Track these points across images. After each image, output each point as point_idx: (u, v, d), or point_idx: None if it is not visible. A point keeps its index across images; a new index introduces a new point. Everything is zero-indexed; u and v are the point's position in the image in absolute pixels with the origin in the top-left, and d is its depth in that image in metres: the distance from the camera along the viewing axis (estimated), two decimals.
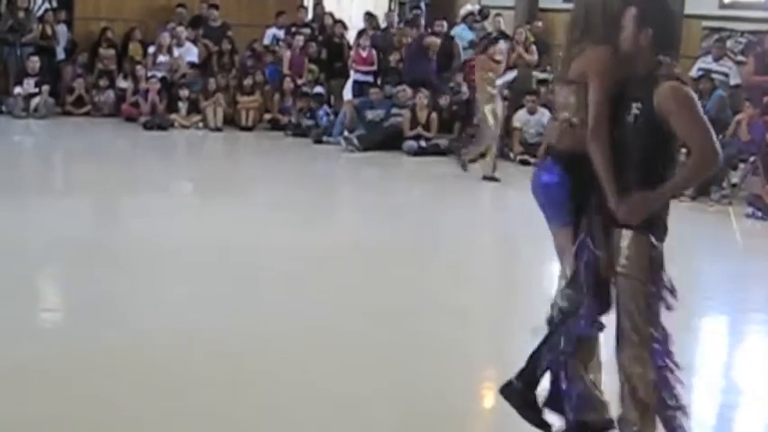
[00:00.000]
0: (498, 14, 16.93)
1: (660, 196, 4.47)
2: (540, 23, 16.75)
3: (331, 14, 17.57)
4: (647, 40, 4.42)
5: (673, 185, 4.49)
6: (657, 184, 4.43)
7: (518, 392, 4.88)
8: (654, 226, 4.56)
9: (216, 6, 17.25)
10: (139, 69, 16.00)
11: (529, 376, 4.84)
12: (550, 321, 4.77)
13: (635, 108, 4.45)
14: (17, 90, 15.44)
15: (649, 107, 4.39)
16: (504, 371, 5.89)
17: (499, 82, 12.99)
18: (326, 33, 16.90)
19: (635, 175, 4.44)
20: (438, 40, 15.56)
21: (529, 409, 4.88)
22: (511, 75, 14.32)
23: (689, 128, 4.39)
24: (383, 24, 17.30)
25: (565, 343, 4.66)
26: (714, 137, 4.40)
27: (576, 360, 4.67)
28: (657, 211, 4.53)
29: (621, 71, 4.55)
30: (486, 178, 12.46)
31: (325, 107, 15.48)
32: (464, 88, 15.34)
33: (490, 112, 12.41)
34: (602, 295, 4.62)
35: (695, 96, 4.47)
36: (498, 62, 12.85)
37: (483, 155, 12.67)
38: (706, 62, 14.10)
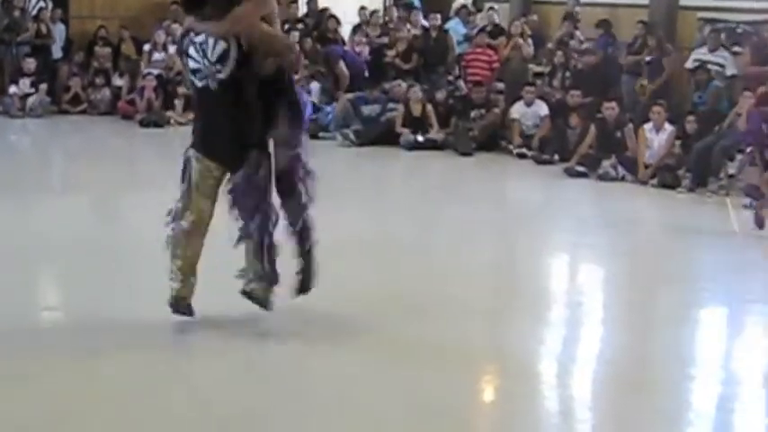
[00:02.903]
0: (492, 8, 16.93)
1: None
2: (535, 17, 16.75)
3: (325, 10, 17.52)
4: None
5: None
6: None
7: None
8: None
9: None
10: (142, 65, 16.04)
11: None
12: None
13: None
14: (12, 89, 15.43)
15: None
16: (506, 362, 5.93)
17: None
18: (321, 29, 16.86)
19: None
20: None
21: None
22: None
23: None
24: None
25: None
26: None
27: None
28: None
29: None
30: None
31: (333, 105, 15.24)
32: (460, 83, 15.36)
33: None
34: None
35: None
36: None
37: None
38: (701, 53, 14.10)
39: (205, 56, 5.84)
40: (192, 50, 5.90)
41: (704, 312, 7.52)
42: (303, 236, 6.22)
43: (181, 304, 6.01)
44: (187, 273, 6.01)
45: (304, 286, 6.27)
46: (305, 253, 6.24)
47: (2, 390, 5.12)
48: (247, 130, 5.89)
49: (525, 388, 5.50)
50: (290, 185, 6.11)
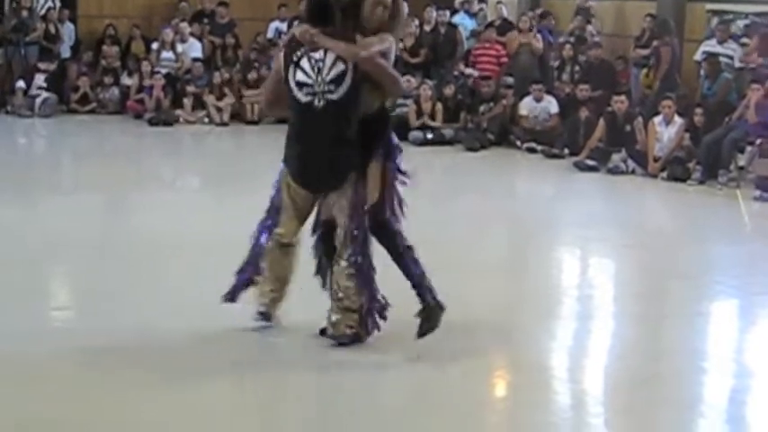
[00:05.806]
0: (500, 2, 16.89)
1: None
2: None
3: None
4: None
5: None
6: None
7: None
8: None
9: (225, 4, 17.26)
10: (146, 65, 16.04)
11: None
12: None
13: None
14: (19, 84, 15.42)
15: None
16: (517, 356, 5.92)
17: None
18: None
19: None
20: None
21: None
22: None
23: None
24: None
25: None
26: None
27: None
28: None
29: None
30: None
31: None
32: (469, 71, 15.36)
33: None
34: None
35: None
36: None
37: None
38: (711, 45, 14.07)
39: (320, 73, 5.67)
40: (305, 63, 5.70)
41: (715, 305, 7.50)
42: (412, 280, 6.04)
43: (259, 310, 5.98)
44: (268, 284, 5.98)
45: (424, 328, 5.91)
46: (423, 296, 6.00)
47: (10, 390, 5.12)
48: (345, 157, 5.75)
49: (537, 382, 5.50)
50: (383, 221, 6.13)
